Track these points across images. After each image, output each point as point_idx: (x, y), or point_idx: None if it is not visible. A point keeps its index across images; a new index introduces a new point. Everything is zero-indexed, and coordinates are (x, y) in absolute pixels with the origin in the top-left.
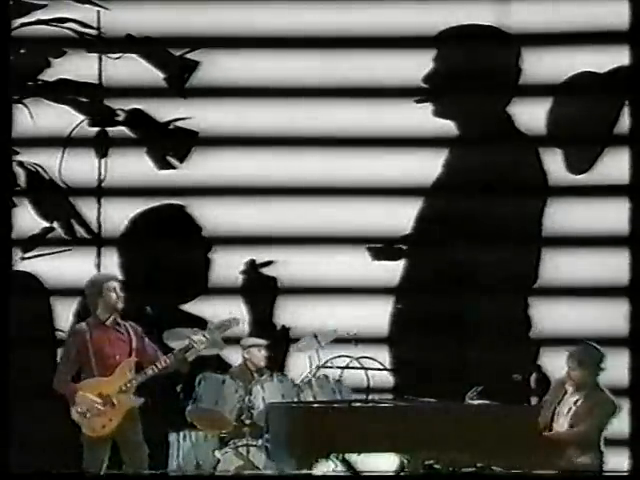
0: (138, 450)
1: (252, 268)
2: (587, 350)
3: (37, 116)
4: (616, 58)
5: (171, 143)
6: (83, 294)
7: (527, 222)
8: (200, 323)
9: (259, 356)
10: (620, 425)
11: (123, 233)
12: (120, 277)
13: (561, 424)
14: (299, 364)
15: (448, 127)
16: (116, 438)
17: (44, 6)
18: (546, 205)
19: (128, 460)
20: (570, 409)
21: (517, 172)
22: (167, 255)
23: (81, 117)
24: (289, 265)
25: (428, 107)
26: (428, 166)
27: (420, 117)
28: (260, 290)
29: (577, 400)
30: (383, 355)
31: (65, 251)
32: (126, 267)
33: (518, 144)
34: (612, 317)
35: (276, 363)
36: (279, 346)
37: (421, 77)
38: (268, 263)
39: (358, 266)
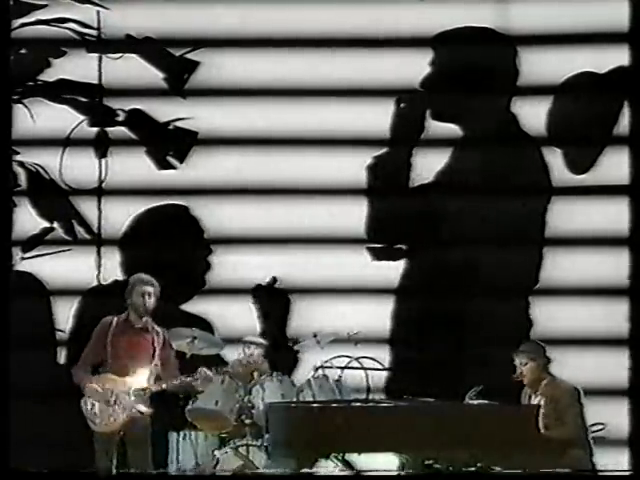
0: (144, 451)
1: (267, 290)
2: (530, 345)
3: (37, 116)
4: (616, 58)
5: (171, 143)
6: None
7: (528, 222)
8: (200, 323)
9: (257, 354)
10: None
11: (124, 233)
12: (121, 276)
13: None
14: (298, 364)
15: (448, 128)
16: (124, 435)
17: (44, 6)
18: (548, 205)
19: (132, 458)
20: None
21: (519, 172)
22: (167, 255)
23: (81, 117)
24: (289, 265)
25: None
26: (429, 166)
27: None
28: (274, 308)
29: (539, 401)
30: (383, 355)
31: (65, 251)
32: (127, 266)
33: (520, 144)
34: (612, 317)
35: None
36: (287, 361)
37: (419, 80)
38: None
39: (358, 266)
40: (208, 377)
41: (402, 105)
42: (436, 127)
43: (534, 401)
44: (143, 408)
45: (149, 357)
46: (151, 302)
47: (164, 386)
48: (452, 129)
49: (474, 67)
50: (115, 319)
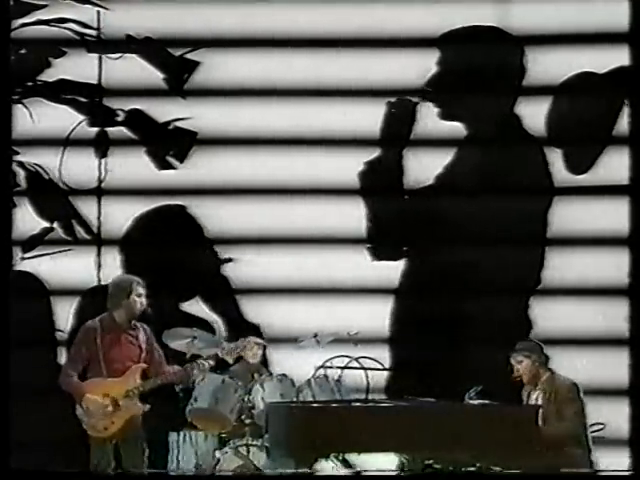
0: (137, 451)
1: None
2: (525, 343)
3: (37, 116)
4: (616, 58)
5: (171, 143)
6: (102, 291)
7: (529, 222)
8: (200, 323)
9: (257, 353)
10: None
11: (125, 234)
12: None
13: None
14: (298, 364)
15: (449, 128)
16: (118, 438)
17: (44, 6)
18: (549, 205)
19: (126, 460)
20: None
21: (521, 172)
22: (168, 255)
23: (81, 117)
24: (289, 265)
25: (432, 109)
26: (430, 166)
27: (419, 118)
28: (222, 289)
29: (538, 397)
30: (383, 355)
31: (65, 251)
32: (127, 267)
33: (523, 145)
34: (612, 317)
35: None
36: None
37: (425, 80)
38: (227, 260)
39: (358, 266)
40: (204, 367)
41: (393, 110)
42: (438, 127)
43: (533, 398)
44: (142, 406)
45: (138, 355)
46: (145, 302)
47: (159, 381)
48: (454, 129)
49: (480, 66)
50: (98, 323)
